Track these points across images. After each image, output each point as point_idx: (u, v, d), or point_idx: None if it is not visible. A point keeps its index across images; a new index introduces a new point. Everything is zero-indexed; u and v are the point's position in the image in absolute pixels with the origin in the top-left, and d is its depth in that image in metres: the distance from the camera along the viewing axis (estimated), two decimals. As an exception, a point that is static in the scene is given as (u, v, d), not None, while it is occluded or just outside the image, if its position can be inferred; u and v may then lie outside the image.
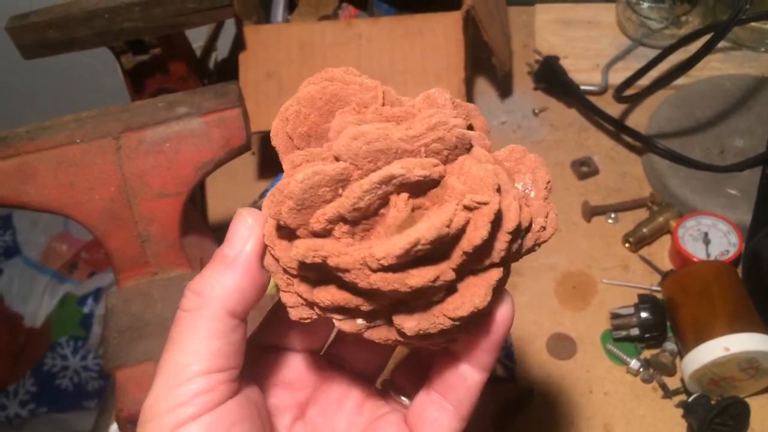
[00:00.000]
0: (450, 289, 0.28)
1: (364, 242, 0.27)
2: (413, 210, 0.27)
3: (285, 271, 0.29)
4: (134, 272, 0.57)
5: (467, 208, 0.26)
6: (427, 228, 0.25)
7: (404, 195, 0.27)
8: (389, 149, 0.27)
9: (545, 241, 0.31)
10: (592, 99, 0.90)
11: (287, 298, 0.30)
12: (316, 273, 0.28)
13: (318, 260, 0.26)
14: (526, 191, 0.31)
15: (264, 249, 0.30)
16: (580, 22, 1.00)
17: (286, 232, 0.29)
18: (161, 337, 0.54)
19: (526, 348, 0.72)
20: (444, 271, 0.26)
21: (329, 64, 0.81)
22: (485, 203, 0.26)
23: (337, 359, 0.37)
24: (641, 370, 0.68)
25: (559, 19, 1.01)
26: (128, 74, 0.76)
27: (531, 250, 0.30)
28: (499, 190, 0.27)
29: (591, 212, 0.81)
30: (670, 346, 0.69)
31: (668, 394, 0.67)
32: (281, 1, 0.94)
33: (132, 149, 0.55)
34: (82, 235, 1.54)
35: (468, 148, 0.29)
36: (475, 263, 0.28)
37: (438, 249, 0.27)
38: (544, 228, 0.30)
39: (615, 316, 0.71)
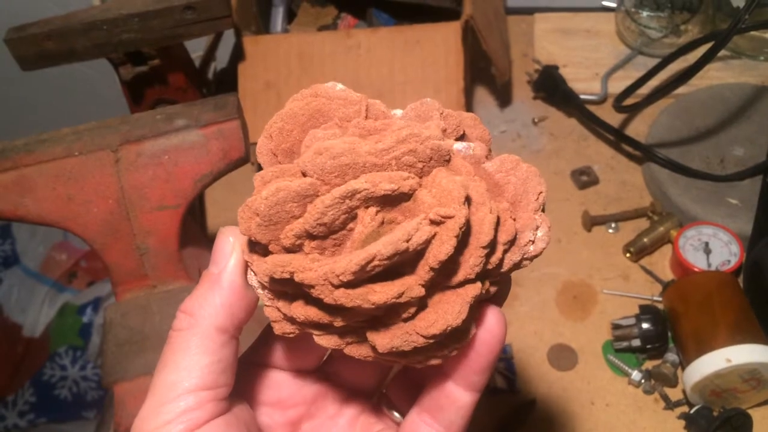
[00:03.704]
0: (422, 305, 0.27)
1: (331, 257, 0.27)
2: (383, 224, 0.27)
3: (264, 286, 0.29)
4: (133, 285, 0.57)
5: (433, 222, 0.26)
6: (383, 243, 0.25)
7: (372, 209, 0.27)
8: (356, 163, 0.27)
9: (536, 256, 0.29)
10: (592, 108, 0.90)
11: (270, 313, 0.30)
12: (292, 288, 0.28)
13: (286, 276, 0.26)
14: (516, 202, 0.30)
15: (246, 265, 0.30)
16: (580, 31, 1.00)
17: (261, 248, 0.29)
18: (159, 350, 0.53)
19: (527, 359, 0.72)
20: (410, 287, 0.26)
21: (328, 74, 0.82)
22: (450, 217, 0.26)
23: (333, 376, 0.36)
24: (643, 381, 0.68)
25: (558, 28, 1.01)
26: (127, 85, 0.76)
27: (518, 265, 0.29)
28: (468, 202, 0.26)
29: (591, 222, 0.81)
30: (672, 357, 0.69)
31: (670, 405, 0.67)
32: (280, 11, 0.94)
33: (130, 162, 0.55)
34: (81, 244, 1.52)
35: (447, 160, 0.28)
36: (446, 279, 0.27)
37: (404, 264, 0.26)
38: (532, 242, 0.29)
39: (616, 326, 0.70)
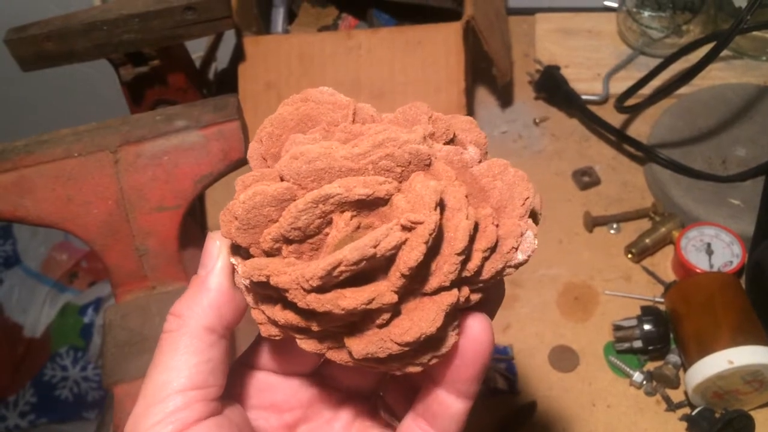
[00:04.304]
0: (397, 312, 0.27)
1: (308, 261, 0.27)
2: (359, 229, 0.27)
3: (248, 288, 0.29)
4: (132, 286, 0.57)
5: (404, 228, 0.25)
6: (350, 249, 0.24)
7: (347, 214, 0.27)
8: (332, 168, 0.27)
9: (520, 264, 0.28)
10: (594, 108, 0.89)
11: (256, 315, 0.30)
12: (273, 291, 0.28)
13: (263, 279, 0.26)
14: (500, 208, 0.29)
15: (234, 267, 0.30)
16: (581, 32, 1.00)
17: (244, 251, 0.29)
18: (159, 352, 0.53)
19: (528, 360, 0.72)
20: (381, 293, 0.26)
21: (329, 75, 0.81)
22: (420, 222, 0.25)
23: (329, 379, 0.36)
24: (644, 382, 0.68)
25: (559, 29, 1.01)
26: (127, 86, 0.76)
27: (500, 273, 0.28)
28: (440, 208, 0.26)
29: (593, 223, 0.81)
30: (674, 358, 0.68)
31: (672, 407, 0.67)
32: (281, 11, 0.94)
33: (130, 163, 0.55)
34: (82, 244, 1.53)
35: (428, 164, 0.28)
36: (421, 285, 0.27)
37: (376, 270, 0.26)
38: (515, 249, 0.28)
39: (618, 328, 0.70)
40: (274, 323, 0.29)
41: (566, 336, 0.73)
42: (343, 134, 0.28)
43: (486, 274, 0.28)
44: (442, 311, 0.26)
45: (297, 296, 0.26)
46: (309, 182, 0.27)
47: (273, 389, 0.35)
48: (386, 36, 0.82)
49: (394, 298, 0.26)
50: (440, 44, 0.80)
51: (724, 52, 0.74)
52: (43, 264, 1.56)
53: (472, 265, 0.27)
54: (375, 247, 0.25)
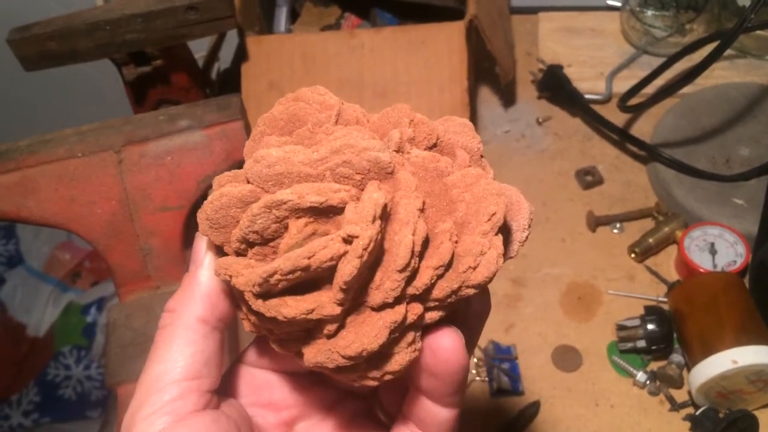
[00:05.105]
0: (343, 324, 0.26)
1: (264, 264, 0.27)
2: (313, 235, 0.27)
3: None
4: (136, 286, 0.57)
5: (345, 240, 0.25)
6: (284, 258, 0.24)
7: (302, 221, 0.26)
8: (290, 173, 0.26)
9: (480, 284, 0.27)
10: (597, 108, 0.89)
11: (239, 312, 0.30)
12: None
13: (227, 278, 0.27)
14: (464, 223, 0.27)
15: None
16: (584, 31, 1.00)
17: (220, 249, 0.29)
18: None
19: (531, 360, 0.72)
20: (322, 304, 0.25)
21: (332, 74, 0.81)
22: (356, 236, 0.24)
23: (327, 378, 0.36)
24: (648, 382, 0.68)
25: (562, 28, 1.01)
26: (130, 85, 0.76)
27: (457, 292, 0.27)
28: (385, 220, 0.25)
29: (596, 222, 0.80)
30: (677, 358, 0.68)
31: (675, 407, 0.67)
32: (284, 11, 0.94)
33: (133, 162, 0.55)
34: (85, 244, 1.53)
35: (389, 172, 0.27)
36: (365, 300, 0.26)
37: (323, 280, 0.26)
38: (473, 268, 0.26)
39: (621, 327, 0.70)
40: (249, 320, 0.29)
41: (569, 336, 0.73)
42: (324, 136, 0.28)
43: (439, 292, 0.26)
44: (385, 328, 0.26)
45: (250, 299, 0.26)
46: (270, 186, 0.27)
47: (270, 387, 0.35)
48: (389, 35, 0.82)
49: (336, 309, 0.25)
50: (443, 43, 0.80)
51: (728, 51, 0.73)
52: (46, 263, 1.56)
53: (420, 282, 0.26)
54: (309, 258, 0.24)
